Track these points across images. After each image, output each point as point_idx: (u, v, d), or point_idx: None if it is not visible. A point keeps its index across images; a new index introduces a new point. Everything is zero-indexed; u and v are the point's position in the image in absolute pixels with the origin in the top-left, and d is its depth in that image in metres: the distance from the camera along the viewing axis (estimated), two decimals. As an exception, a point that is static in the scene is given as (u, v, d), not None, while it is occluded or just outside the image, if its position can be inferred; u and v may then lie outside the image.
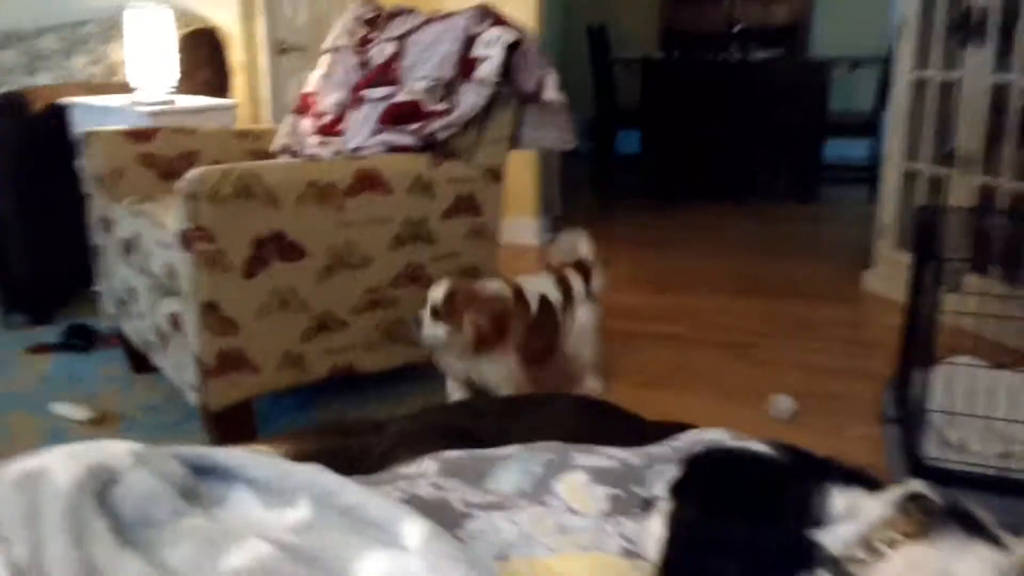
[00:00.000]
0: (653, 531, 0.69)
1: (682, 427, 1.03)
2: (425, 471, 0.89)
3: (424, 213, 2.20)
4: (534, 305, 2.17)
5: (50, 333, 2.87)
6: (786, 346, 2.88)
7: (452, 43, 2.13)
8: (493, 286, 2.10)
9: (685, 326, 3.09)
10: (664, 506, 0.70)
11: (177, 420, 2.31)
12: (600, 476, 0.83)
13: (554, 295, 2.24)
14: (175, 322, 2.06)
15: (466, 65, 2.13)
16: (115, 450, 0.77)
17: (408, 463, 0.91)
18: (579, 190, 5.60)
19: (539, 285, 2.23)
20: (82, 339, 2.79)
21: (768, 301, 3.37)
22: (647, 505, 0.75)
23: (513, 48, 2.13)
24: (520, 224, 4.03)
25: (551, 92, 2.24)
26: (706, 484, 0.68)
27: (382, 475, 0.88)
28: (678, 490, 0.70)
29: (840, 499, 0.61)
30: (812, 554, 0.58)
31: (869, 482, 0.64)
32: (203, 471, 0.82)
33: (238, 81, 3.44)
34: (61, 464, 0.73)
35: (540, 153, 4.01)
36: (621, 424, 1.10)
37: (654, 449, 0.92)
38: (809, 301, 3.38)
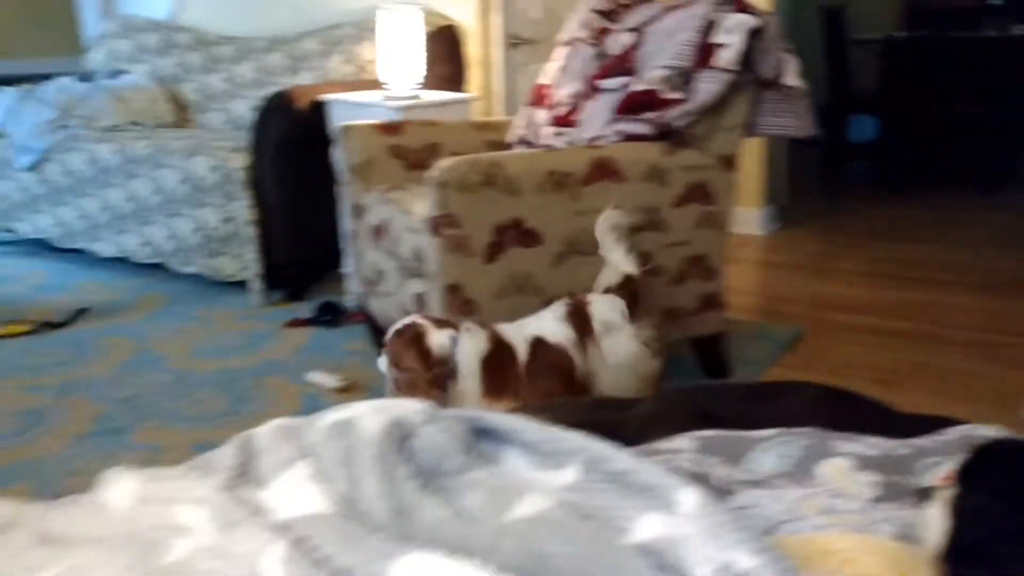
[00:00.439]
0: (934, 518, 0.68)
1: (946, 421, 0.99)
2: (682, 448, 0.92)
3: (656, 201, 2.22)
4: (522, 351, 1.86)
5: (303, 309, 3.17)
6: (1043, 349, 2.64)
7: (691, 31, 2.13)
8: (438, 337, 1.82)
9: (926, 323, 2.90)
10: (947, 494, 0.69)
11: (417, 393, 2.48)
12: (865, 463, 0.83)
13: (558, 334, 1.89)
14: (420, 301, 2.22)
15: (705, 52, 2.12)
16: (409, 408, 0.86)
17: (662, 440, 0.95)
18: (808, 179, 5.37)
19: (533, 326, 1.91)
20: (331, 315, 3.05)
21: (1018, 299, 3.09)
22: (924, 495, 0.73)
23: (755, 34, 2.10)
24: (745, 214, 3.94)
25: (791, 78, 2.19)
26: (999, 473, 0.66)
27: (642, 448, 0.92)
28: (966, 477, 0.68)
29: None
30: None
31: None
32: (479, 432, 0.90)
33: (473, 75, 3.60)
34: (368, 416, 0.82)
35: (768, 141, 3.90)
36: (876, 415, 1.07)
37: (921, 441, 0.90)
38: (1071, 302, 3.07)
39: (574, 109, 2.43)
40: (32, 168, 3.71)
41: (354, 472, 0.75)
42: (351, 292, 3.16)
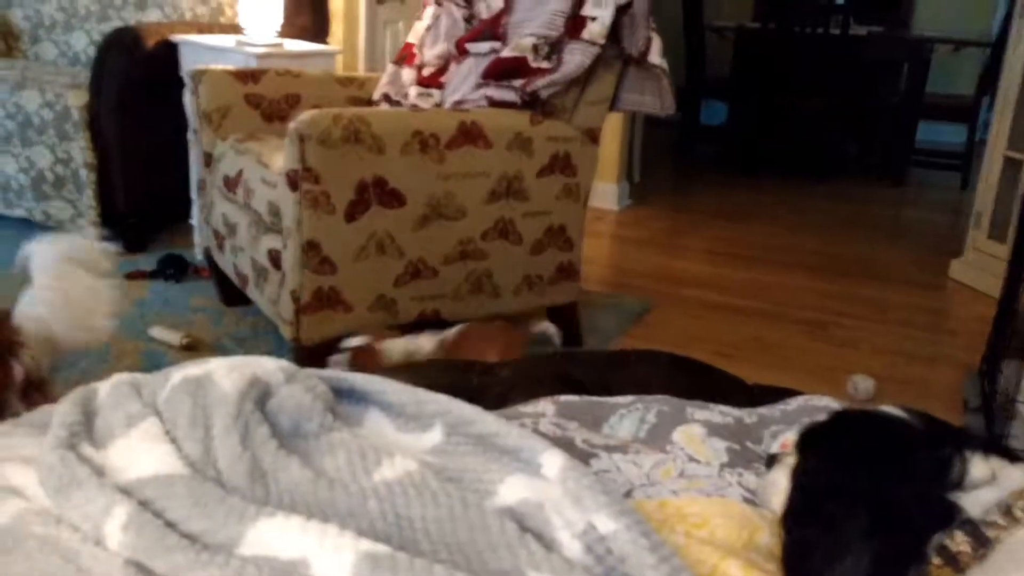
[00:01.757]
0: (777, 483, 0.72)
1: (787, 392, 1.05)
2: (543, 412, 0.93)
3: (520, 169, 2.22)
4: None
5: (145, 261, 2.99)
6: (865, 328, 2.85)
7: (562, 1, 2.14)
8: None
9: (762, 301, 3.07)
10: (790, 460, 0.73)
11: (264, 352, 2.39)
12: (716, 430, 0.86)
13: None
14: (274, 258, 2.14)
15: (575, 23, 2.14)
16: (268, 366, 0.83)
17: (525, 404, 0.95)
18: (660, 158, 5.56)
19: None
20: (175, 269, 2.90)
21: (849, 282, 3.33)
22: (771, 461, 0.77)
23: (623, 9, 2.13)
24: (600, 188, 4.03)
25: (655, 56, 2.24)
26: (837, 440, 0.70)
27: (504, 412, 0.92)
28: (805, 444, 0.72)
29: (980, 465, 0.63)
30: (951, 513, 0.60)
31: (1008, 453, 0.66)
32: (340, 393, 0.88)
33: (335, 28, 3.49)
34: (224, 373, 0.78)
35: (626, 118, 3.99)
36: (725, 384, 1.12)
37: (764, 411, 0.95)
38: (891, 285, 3.33)
39: (441, 71, 2.40)
40: None
41: (208, 432, 0.72)
42: (198, 245, 3.01)
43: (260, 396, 0.77)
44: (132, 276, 2.88)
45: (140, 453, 0.72)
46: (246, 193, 2.23)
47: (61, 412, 0.79)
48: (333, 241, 2.02)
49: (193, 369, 0.80)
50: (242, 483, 0.68)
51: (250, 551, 0.60)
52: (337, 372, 0.89)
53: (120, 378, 0.87)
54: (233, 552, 0.60)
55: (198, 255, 3.00)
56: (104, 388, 0.85)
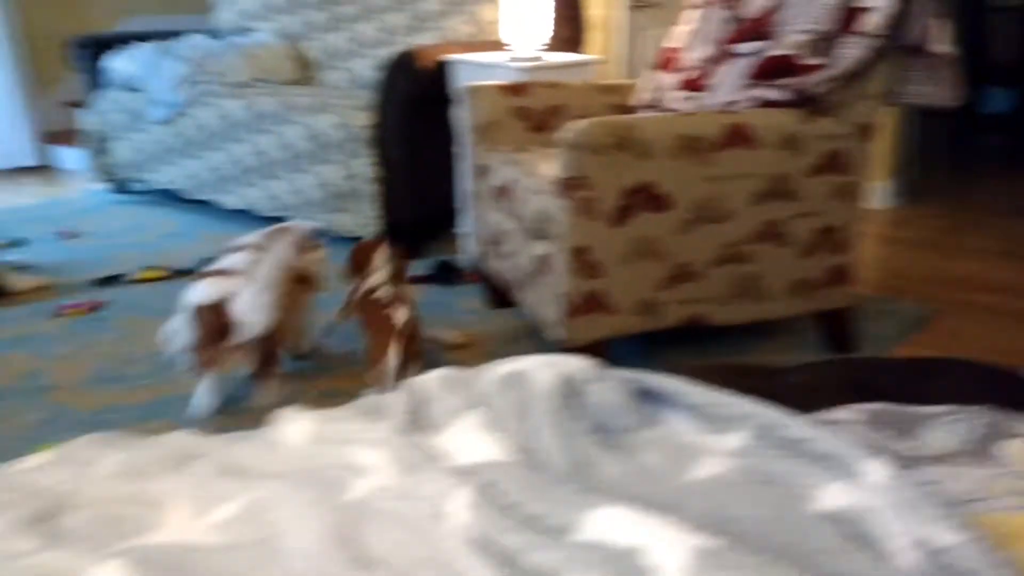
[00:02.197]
0: None
1: None
2: (847, 419, 0.90)
3: (789, 170, 2.16)
4: None
5: (421, 267, 3.22)
6: None
7: (838, -7, 2.05)
8: None
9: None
10: None
11: (531, 352, 2.49)
12: (1051, 446, 0.80)
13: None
14: (543, 263, 2.23)
15: (849, 16, 2.04)
16: (577, 364, 0.87)
17: (829, 410, 0.93)
18: (936, 152, 5.13)
19: None
20: (447, 274, 3.10)
21: None
22: None
23: (905, -3, 2.01)
24: (870, 187, 3.79)
25: (941, 43, 2.08)
26: None
27: (808, 417, 0.90)
28: None
29: None
30: None
31: None
32: (640, 393, 0.90)
33: (593, 37, 3.56)
34: (539, 369, 0.84)
35: (901, 110, 3.73)
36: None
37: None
38: None
39: (705, 74, 2.38)
40: (166, 122, 3.87)
41: (530, 424, 0.77)
42: (467, 252, 3.20)
43: (573, 392, 0.82)
44: (409, 280, 3.11)
45: (471, 441, 0.79)
46: (516, 202, 2.34)
47: (396, 401, 0.88)
48: (600, 246, 2.08)
49: (512, 365, 0.87)
50: (565, 472, 0.72)
51: (586, 536, 0.64)
52: (636, 373, 0.92)
53: (440, 372, 0.95)
54: (570, 536, 0.64)
55: (466, 261, 3.20)
56: (429, 380, 0.94)
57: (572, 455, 0.72)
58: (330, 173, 3.32)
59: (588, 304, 2.13)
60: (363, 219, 3.31)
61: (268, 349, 2.06)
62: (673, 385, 0.87)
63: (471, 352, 2.53)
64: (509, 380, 0.83)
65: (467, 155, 2.72)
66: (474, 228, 2.79)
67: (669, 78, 2.52)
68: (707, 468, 0.71)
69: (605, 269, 2.10)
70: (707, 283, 2.20)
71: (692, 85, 2.41)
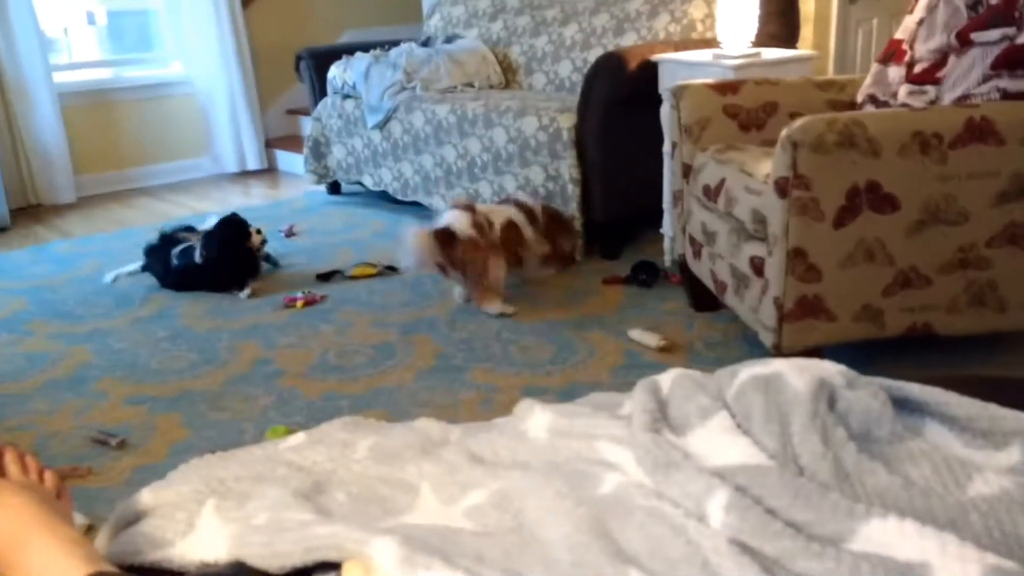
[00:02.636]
0: None
1: None
2: None
3: (1037, 167, 1.98)
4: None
5: (619, 267, 3.22)
6: None
7: (1103, -28, 1.85)
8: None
9: None
10: None
11: (739, 357, 2.43)
12: None
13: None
14: (756, 266, 2.16)
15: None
16: (830, 369, 0.84)
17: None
18: None
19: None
20: (647, 275, 3.08)
21: None
22: None
23: None
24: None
25: None
26: None
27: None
28: None
29: None
30: None
31: None
32: (895, 402, 0.86)
33: (805, 32, 3.42)
34: (793, 372, 0.81)
35: None
36: None
37: None
38: None
39: (938, 65, 2.23)
40: (379, 127, 4.09)
41: (784, 429, 0.75)
42: (667, 253, 3.17)
43: (829, 398, 0.79)
44: (608, 281, 3.12)
45: (720, 443, 0.78)
46: (727, 202, 2.29)
47: (638, 400, 0.89)
48: (820, 248, 1.99)
49: (759, 368, 0.85)
50: (827, 481, 0.70)
51: (861, 547, 0.61)
52: (894, 381, 0.87)
53: (678, 372, 0.94)
54: (842, 546, 0.62)
55: (667, 262, 3.16)
56: (667, 381, 0.94)
57: (834, 463, 0.69)
58: (532, 175, 3.38)
59: (804, 309, 2.04)
60: (564, 220, 3.35)
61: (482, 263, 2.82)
62: (934, 395, 0.82)
63: (676, 356, 2.50)
64: (759, 383, 0.81)
65: (674, 155, 2.69)
66: (678, 229, 2.76)
67: (896, 71, 2.38)
68: (983, 485, 0.66)
69: (823, 273, 2.01)
70: (935, 290, 2.06)
71: (922, 78, 2.26)
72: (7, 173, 4.68)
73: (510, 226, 2.95)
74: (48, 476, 0.92)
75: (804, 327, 2.06)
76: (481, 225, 2.87)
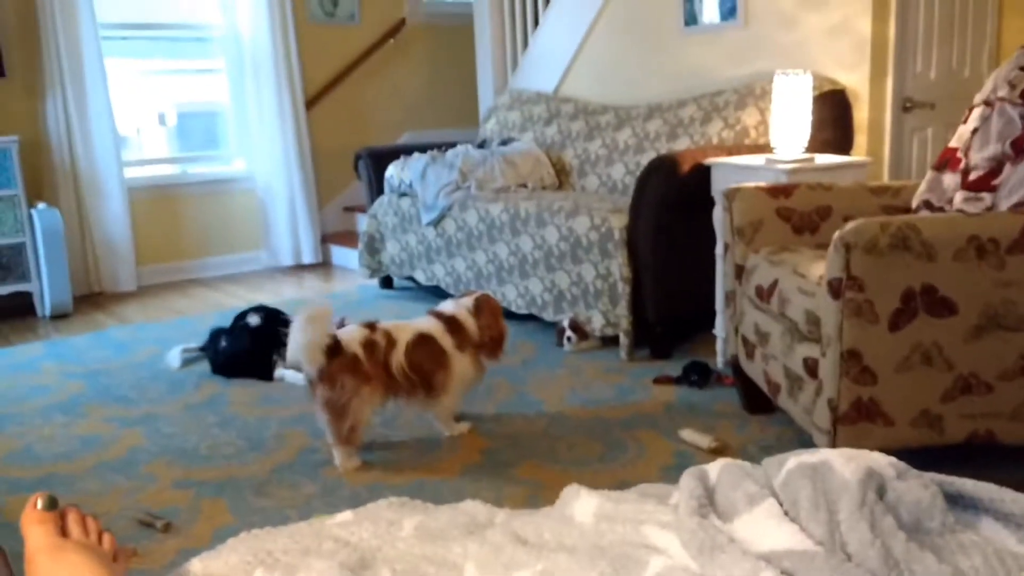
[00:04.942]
0: None
1: None
2: None
3: (1100, 275, 1.94)
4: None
5: (670, 367, 3.19)
6: None
7: None
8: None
9: None
10: None
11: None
12: None
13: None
14: (810, 367, 2.13)
15: None
16: (880, 460, 0.82)
17: None
18: None
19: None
20: (699, 376, 3.04)
21: None
22: None
23: None
24: None
25: None
26: None
27: None
28: None
29: None
30: None
31: None
32: (948, 498, 0.83)
33: (859, 140, 3.46)
34: (841, 461, 0.80)
35: None
36: None
37: None
38: None
39: (993, 173, 2.23)
40: (433, 224, 4.19)
41: (832, 516, 0.73)
42: (720, 354, 3.14)
43: (878, 487, 0.77)
44: (659, 380, 3.09)
45: (767, 529, 0.76)
46: (781, 303, 2.28)
47: (686, 486, 0.87)
48: (875, 350, 1.96)
49: (808, 456, 0.83)
50: (875, 568, 0.67)
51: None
52: (946, 476, 0.85)
53: (730, 461, 0.93)
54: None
55: (720, 363, 3.13)
56: (715, 469, 0.92)
57: (883, 551, 0.67)
58: (583, 273, 3.42)
59: (859, 412, 2.00)
60: (611, 318, 3.35)
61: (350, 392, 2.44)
62: (988, 491, 0.80)
63: (728, 457, 2.45)
64: (806, 471, 0.80)
65: (726, 256, 2.70)
66: (730, 329, 2.74)
67: (951, 178, 2.38)
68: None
69: (879, 375, 1.97)
70: (997, 396, 2.00)
71: (978, 185, 2.26)
72: (73, 261, 4.88)
73: (420, 340, 2.53)
74: (106, 538, 0.94)
75: (860, 431, 2.01)
76: (374, 343, 2.45)
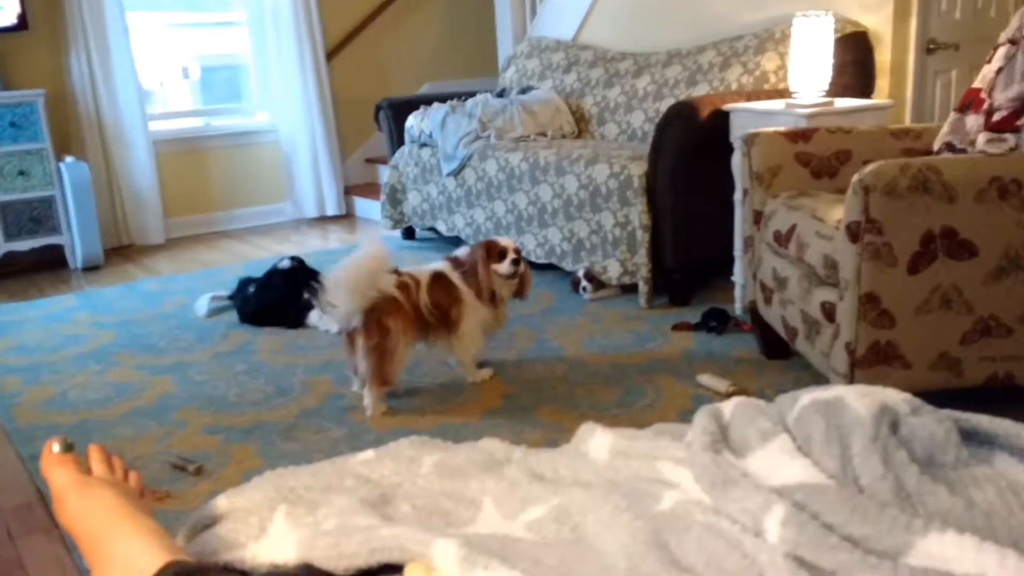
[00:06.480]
0: None
1: None
2: None
3: (1123, 216, 1.92)
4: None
5: (690, 314, 3.21)
6: None
7: None
8: None
9: None
10: None
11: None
12: None
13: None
14: (827, 311, 2.14)
15: None
16: (894, 396, 0.84)
17: None
18: None
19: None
20: (718, 322, 3.06)
21: None
22: None
23: None
24: None
25: None
26: None
27: None
28: None
29: None
30: None
31: None
32: (963, 433, 0.85)
33: (880, 82, 3.40)
34: (854, 397, 0.82)
35: None
36: None
37: None
38: None
39: (1017, 113, 2.20)
40: (453, 174, 4.19)
41: (845, 451, 0.75)
42: (738, 300, 3.14)
43: (891, 423, 0.79)
44: (677, 327, 3.11)
45: (780, 463, 0.78)
46: (799, 247, 2.28)
47: (700, 423, 0.90)
48: (893, 294, 1.96)
49: (822, 393, 0.85)
50: (887, 500, 0.69)
51: (919, 562, 0.61)
52: (961, 413, 0.86)
53: (744, 400, 0.95)
54: (899, 560, 0.62)
55: (738, 309, 3.14)
56: (729, 407, 0.94)
57: (895, 483, 0.69)
58: (602, 221, 3.42)
59: (877, 355, 2.01)
60: (630, 266, 3.36)
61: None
62: (1004, 426, 0.81)
63: (743, 402, 2.47)
64: (819, 407, 0.81)
65: (744, 202, 2.69)
66: (748, 275, 2.75)
67: (974, 119, 2.35)
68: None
69: (897, 319, 1.98)
70: (1017, 339, 2.00)
71: (1001, 125, 2.23)
72: (103, 214, 4.93)
73: (436, 279, 2.64)
74: (132, 476, 0.98)
75: (877, 374, 2.02)
76: (407, 285, 2.55)
